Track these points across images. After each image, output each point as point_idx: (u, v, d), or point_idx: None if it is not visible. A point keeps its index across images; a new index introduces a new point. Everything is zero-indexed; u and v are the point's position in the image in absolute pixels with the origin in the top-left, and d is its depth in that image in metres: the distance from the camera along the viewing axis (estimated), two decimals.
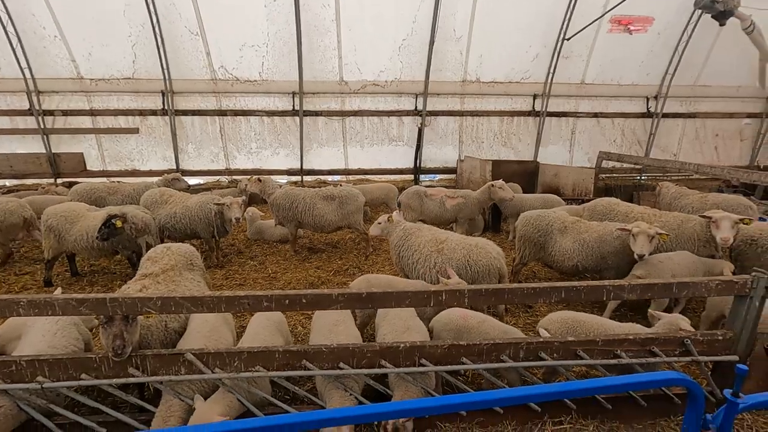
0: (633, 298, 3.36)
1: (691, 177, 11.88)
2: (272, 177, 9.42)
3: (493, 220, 8.72)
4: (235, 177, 10.60)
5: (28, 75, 9.70)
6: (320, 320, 3.68)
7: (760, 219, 6.99)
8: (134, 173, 10.52)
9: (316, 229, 6.91)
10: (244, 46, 9.84)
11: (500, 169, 9.64)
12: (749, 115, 12.73)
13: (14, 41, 9.31)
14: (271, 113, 10.57)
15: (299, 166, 10.94)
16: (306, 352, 3.04)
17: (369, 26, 9.87)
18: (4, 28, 9.12)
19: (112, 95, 10.15)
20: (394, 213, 5.42)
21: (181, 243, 4.54)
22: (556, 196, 8.32)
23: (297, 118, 10.58)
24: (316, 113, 10.66)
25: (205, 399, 3.12)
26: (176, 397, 3.00)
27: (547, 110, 11.42)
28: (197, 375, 2.99)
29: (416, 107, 10.95)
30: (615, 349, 3.26)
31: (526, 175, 10.01)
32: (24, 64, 9.58)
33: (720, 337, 3.33)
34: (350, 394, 3.05)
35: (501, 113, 11.46)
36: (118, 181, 8.69)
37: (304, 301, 2.87)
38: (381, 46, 10.20)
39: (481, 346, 3.16)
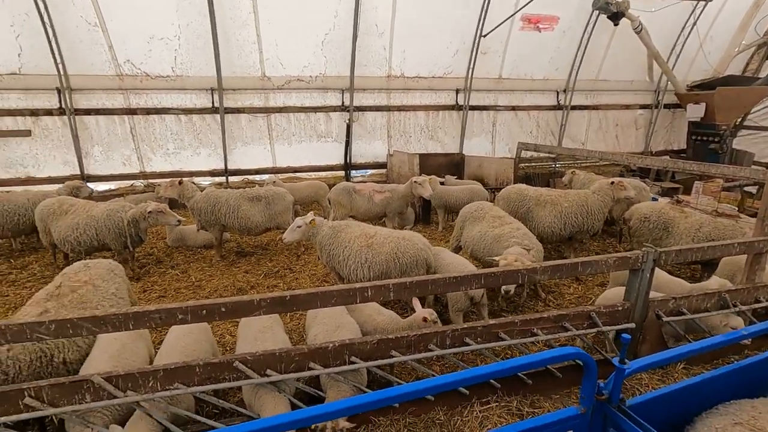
0: (545, 280, 3.62)
1: (597, 163, 13.07)
2: (195, 179, 8.89)
3: (424, 212, 8.95)
4: (151, 181, 9.82)
5: None
6: (246, 327, 3.53)
7: (653, 199, 7.89)
8: (29, 181, 9.31)
9: (243, 232, 6.62)
10: (152, 39, 9.07)
11: (428, 162, 9.91)
12: (642, 107, 14.28)
13: None
14: (188, 111, 9.90)
15: (223, 167, 10.39)
16: (229, 362, 2.90)
17: (289, 20, 9.58)
18: None
19: None
20: (314, 216, 5.15)
21: (103, 260, 4.14)
22: (480, 185, 8.73)
23: (218, 116, 10.01)
24: (238, 110, 10.17)
25: (123, 425, 2.87)
26: (87, 426, 2.72)
27: (470, 104, 11.91)
28: (106, 401, 2.73)
29: (343, 103, 10.87)
30: (532, 327, 3.50)
31: (453, 166, 10.38)
32: None
33: (619, 308, 3.70)
34: (284, 396, 2.96)
35: (426, 107, 11.75)
36: (8, 191, 7.64)
37: (223, 310, 2.72)
38: (304, 40, 9.96)
39: (410, 338, 3.23)
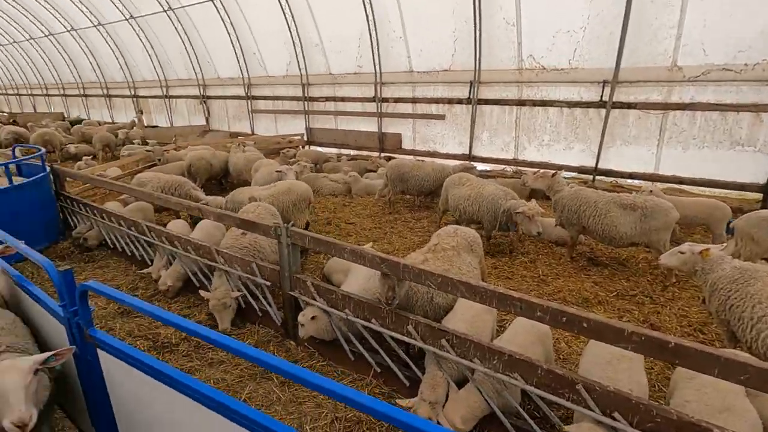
0: None
1: None
2: (561, 173, 8.82)
3: None
4: (520, 168, 10.48)
5: (377, 70, 12.38)
6: (599, 347, 3.13)
7: None
8: (434, 155, 11.97)
9: (603, 240, 5.98)
10: (558, 33, 9.32)
11: None
12: None
13: (373, 44, 12.01)
14: (573, 104, 9.75)
15: (593, 165, 9.75)
16: (572, 381, 2.64)
17: None
18: (370, 33, 11.86)
19: (430, 86, 11.73)
20: (713, 247, 4.01)
21: (467, 228, 4.78)
22: None
23: (602, 111, 9.35)
24: (628, 105, 9.10)
25: (455, 379, 3.22)
26: (439, 369, 3.21)
27: None
28: (459, 358, 3.09)
29: None
30: None
31: None
32: (377, 61, 12.26)
33: None
34: None
35: None
36: (422, 160, 10.06)
37: (585, 325, 2.45)
38: (752, 16, 7.58)
39: None
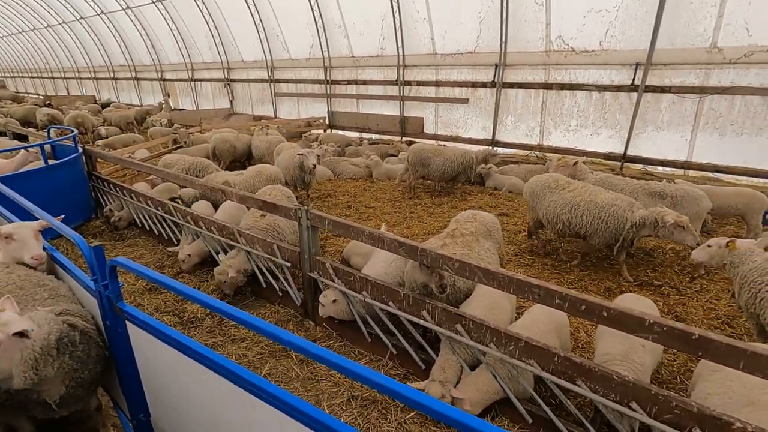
0: None
1: None
2: (586, 159, 8.58)
3: None
4: (545, 154, 10.24)
5: (401, 52, 12.19)
6: (617, 334, 3.07)
7: None
8: (456, 139, 11.80)
9: None
10: (589, 12, 8.94)
11: None
12: None
13: (397, 25, 11.80)
14: (602, 88, 9.40)
15: (622, 151, 9.43)
16: (590, 370, 2.62)
17: None
18: (393, 14, 11.65)
19: (454, 68, 11.49)
20: (740, 241, 3.90)
21: (486, 213, 4.71)
22: None
23: (634, 95, 8.99)
24: (663, 89, 8.72)
25: (470, 363, 3.24)
26: (453, 353, 3.24)
27: None
28: (472, 342, 3.09)
29: None
30: None
31: None
32: (400, 43, 12.06)
33: None
34: None
35: None
36: (444, 145, 9.93)
37: (604, 314, 2.42)
38: None
39: None
